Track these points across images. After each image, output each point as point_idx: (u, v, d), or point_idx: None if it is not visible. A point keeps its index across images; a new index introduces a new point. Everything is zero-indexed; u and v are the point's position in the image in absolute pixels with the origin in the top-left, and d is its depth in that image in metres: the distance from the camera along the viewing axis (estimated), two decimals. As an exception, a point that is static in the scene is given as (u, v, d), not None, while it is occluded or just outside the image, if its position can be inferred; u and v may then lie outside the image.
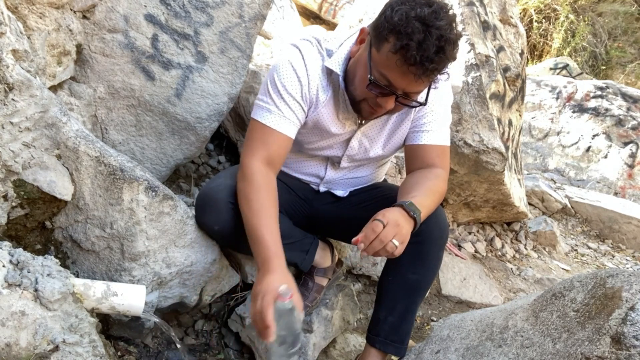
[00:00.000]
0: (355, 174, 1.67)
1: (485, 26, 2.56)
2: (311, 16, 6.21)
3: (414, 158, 1.49)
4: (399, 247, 1.20)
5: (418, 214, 1.26)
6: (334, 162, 1.60)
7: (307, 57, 1.39)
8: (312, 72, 1.39)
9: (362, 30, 1.32)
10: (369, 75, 1.25)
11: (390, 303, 1.51)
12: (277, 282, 1.14)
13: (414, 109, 1.46)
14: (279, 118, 1.36)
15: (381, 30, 1.20)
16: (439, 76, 1.24)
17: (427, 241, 1.43)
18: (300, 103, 1.39)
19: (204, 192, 1.47)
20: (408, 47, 1.13)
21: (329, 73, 1.42)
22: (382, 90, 1.26)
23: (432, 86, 1.30)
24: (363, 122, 1.48)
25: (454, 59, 1.21)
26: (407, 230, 1.22)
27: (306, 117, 1.45)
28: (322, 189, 1.67)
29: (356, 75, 1.32)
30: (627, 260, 3.46)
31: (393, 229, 1.18)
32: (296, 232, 1.65)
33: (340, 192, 1.69)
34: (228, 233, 1.51)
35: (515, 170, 2.87)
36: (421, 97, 1.33)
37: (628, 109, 5.19)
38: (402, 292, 1.49)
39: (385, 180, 1.89)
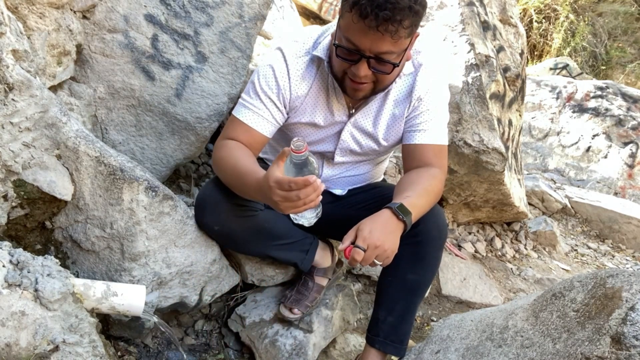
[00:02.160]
0: (353, 171, 1.67)
1: (485, 26, 2.56)
2: (311, 16, 6.21)
3: (410, 157, 1.49)
4: (385, 261, 1.23)
5: (408, 215, 1.26)
6: (328, 157, 1.60)
7: (289, 57, 1.42)
8: (293, 72, 1.42)
9: (340, 12, 1.34)
10: (333, 42, 1.27)
11: (390, 303, 1.51)
12: (271, 172, 1.12)
13: (409, 104, 1.46)
14: (252, 114, 1.40)
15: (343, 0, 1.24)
16: (404, 30, 1.19)
17: (426, 241, 1.43)
18: (277, 104, 1.42)
19: (203, 193, 1.48)
20: (359, 0, 1.15)
21: (317, 64, 1.43)
22: (349, 55, 1.25)
23: (401, 42, 1.24)
24: (353, 111, 1.48)
25: (413, 10, 1.17)
26: (392, 242, 1.23)
27: (288, 117, 1.48)
28: None
29: (332, 54, 1.34)
30: (627, 260, 3.46)
31: (373, 252, 1.20)
32: (296, 232, 1.65)
33: (339, 191, 1.69)
34: (228, 232, 1.51)
35: (515, 170, 2.87)
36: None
37: (628, 109, 5.18)
38: (401, 293, 1.49)
39: (384, 180, 1.89)
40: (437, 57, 1.53)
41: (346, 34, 1.22)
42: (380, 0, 1.14)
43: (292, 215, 1.21)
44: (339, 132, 1.53)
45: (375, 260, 1.22)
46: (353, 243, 1.21)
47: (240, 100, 1.44)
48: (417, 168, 1.46)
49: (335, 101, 1.46)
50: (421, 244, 1.43)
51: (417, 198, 1.32)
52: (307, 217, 1.24)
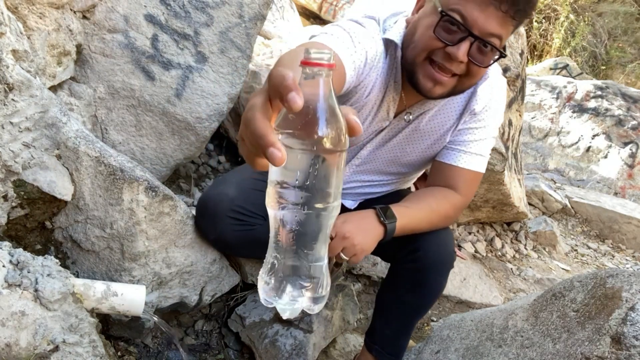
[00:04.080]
0: (373, 189, 1.51)
1: (485, 26, 2.56)
2: (311, 16, 6.21)
3: (438, 175, 1.32)
4: (352, 259, 1.14)
5: (392, 221, 1.16)
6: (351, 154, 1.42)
7: (374, 34, 1.20)
8: (371, 54, 1.17)
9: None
10: (439, 9, 1.05)
11: (387, 318, 1.47)
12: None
13: (461, 116, 1.28)
14: (337, 42, 1.07)
15: None
16: (522, 16, 1.04)
17: (427, 268, 1.33)
18: (360, 61, 1.12)
19: (205, 199, 1.45)
20: None
21: (385, 51, 1.22)
22: (451, 32, 1.05)
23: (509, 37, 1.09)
24: (410, 117, 1.27)
25: (534, 6, 1.05)
26: (364, 239, 1.13)
27: (356, 87, 1.21)
28: None
29: (416, 32, 1.12)
30: (627, 260, 3.46)
31: (339, 242, 1.12)
32: None
33: (349, 203, 1.56)
34: (223, 244, 1.52)
35: (515, 170, 2.87)
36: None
37: (628, 109, 5.18)
38: (399, 311, 1.43)
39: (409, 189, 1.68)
40: (501, 75, 1.34)
41: (456, 4, 1.04)
42: None
43: (263, 295, 0.59)
44: (379, 132, 1.34)
45: (342, 254, 1.14)
46: None
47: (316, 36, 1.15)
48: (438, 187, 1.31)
49: (390, 99, 1.24)
50: (421, 270, 1.32)
51: (414, 210, 1.22)
52: (281, 300, 0.57)
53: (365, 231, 1.14)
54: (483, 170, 1.32)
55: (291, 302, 0.57)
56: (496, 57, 1.09)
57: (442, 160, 1.32)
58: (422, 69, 1.11)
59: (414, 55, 1.12)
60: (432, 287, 1.38)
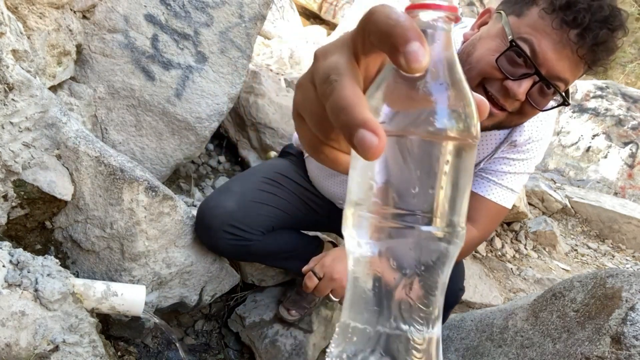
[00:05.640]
0: None
1: (485, 26, 2.56)
2: (311, 16, 6.21)
3: None
4: (343, 300, 1.12)
5: None
6: None
7: None
8: None
9: (482, 13, 1.07)
10: (509, 37, 0.93)
11: None
12: None
13: (500, 145, 1.18)
14: None
15: None
16: (601, 63, 0.95)
17: None
18: None
19: (204, 209, 1.42)
20: (574, 3, 0.87)
21: None
22: (516, 66, 0.93)
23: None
24: None
25: (612, 54, 0.94)
26: None
27: None
28: None
29: (474, 53, 0.99)
30: (627, 260, 3.46)
31: (328, 284, 1.09)
32: (302, 243, 1.57)
33: None
34: (218, 254, 1.53)
35: (515, 170, 2.87)
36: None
37: (628, 109, 5.18)
38: None
39: None
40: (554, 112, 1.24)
41: (528, 34, 0.93)
42: (605, 13, 0.87)
43: None
44: None
45: (331, 295, 1.11)
46: None
47: None
48: None
49: None
50: None
51: None
52: None
53: None
54: (510, 207, 1.21)
55: None
56: (556, 99, 0.99)
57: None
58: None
59: (466, 79, 1.01)
60: None
